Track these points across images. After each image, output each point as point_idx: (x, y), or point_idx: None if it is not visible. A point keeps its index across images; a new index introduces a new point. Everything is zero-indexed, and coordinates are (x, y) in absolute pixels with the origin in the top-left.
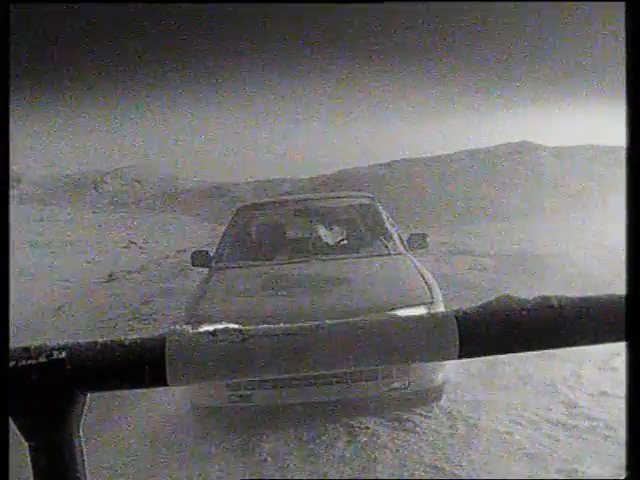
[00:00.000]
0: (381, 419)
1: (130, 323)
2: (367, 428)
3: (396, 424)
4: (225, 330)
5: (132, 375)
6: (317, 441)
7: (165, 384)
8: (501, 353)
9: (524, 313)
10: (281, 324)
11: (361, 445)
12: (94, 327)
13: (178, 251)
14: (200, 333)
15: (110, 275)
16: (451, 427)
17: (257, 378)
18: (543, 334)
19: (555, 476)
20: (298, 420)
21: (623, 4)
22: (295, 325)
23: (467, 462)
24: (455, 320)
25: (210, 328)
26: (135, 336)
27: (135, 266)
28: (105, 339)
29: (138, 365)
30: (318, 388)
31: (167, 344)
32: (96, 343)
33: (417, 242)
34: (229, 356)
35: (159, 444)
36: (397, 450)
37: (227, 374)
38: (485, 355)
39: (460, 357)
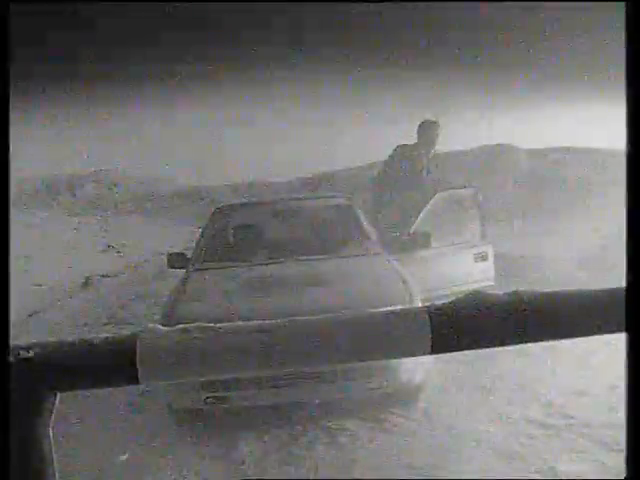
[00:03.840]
0: (360, 420)
1: (106, 328)
2: (346, 429)
3: (375, 425)
4: (197, 327)
5: (103, 374)
6: (296, 443)
7: (137, 382)
8: (473, 348)
9: (496, 308)
10: (254, 321)
11: (340, 446)
12: (68, 333)
13: (157, 254)
14: (172, 330)
15: (86, 279)
16: (429, 427)
17: (230, 375)
18: (514, 329)
19: (534, 475)
20: (276, 422)
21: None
22: (267, 322)
23: (445, 462)
24: (427, 316)
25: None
26: (106, 334)
27: (112, 270)
28: (75, 338)
29: (109, 363)
30: (296, 389)
31: (139, 342)
32: (66, 342)
33: (420, 241)
34: (202, 353)
35: (135, 447)
36: (376, 451)
37: (200, 371)
38: (458, 350)
39: (432, 352)
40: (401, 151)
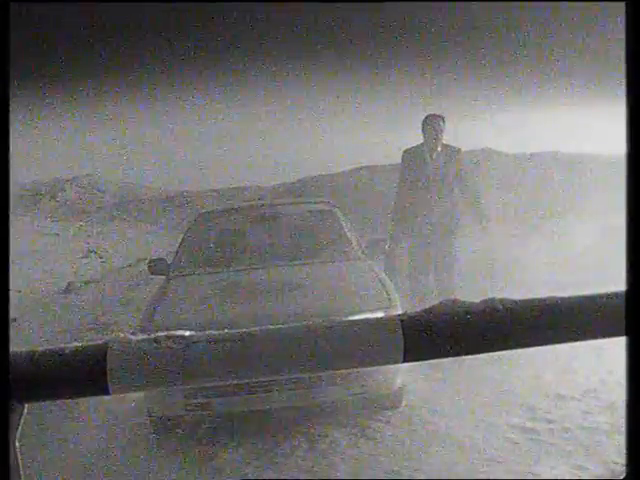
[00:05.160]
0: (340, 426)
1: (88, 334)
2: (327, 436)
3: (355, 431)
4: (168, 337)
5: (72, 384)
6: (276, 450)
7: (107, 393)
8: (446, 357)
9: (468, 317)
10: (225, 330)
11: (320, 453)
12: (50, 339)
13: (139, 260)
14: (142, 340)
15: (68, 285)
16: (410, 433)
17: (201, 385)
18: (489, 337)
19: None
20: (256, 428)
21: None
22: (238, 331)
23: (427, 467)
24: (400, 324)
25: (152, 335)
26: (75, 344)
27: (94, 275)
28: (44, 348)
29: (78, 373)
30: (276, 395)
31: (108, 352)
32: (34, 352)
33: (376, 247)
34: (172, 363)
35: (113, 455)
36: (356, 457)
37: (170, 381)
38: (430, 359)
39: (405, 361)
40: (406, 156)
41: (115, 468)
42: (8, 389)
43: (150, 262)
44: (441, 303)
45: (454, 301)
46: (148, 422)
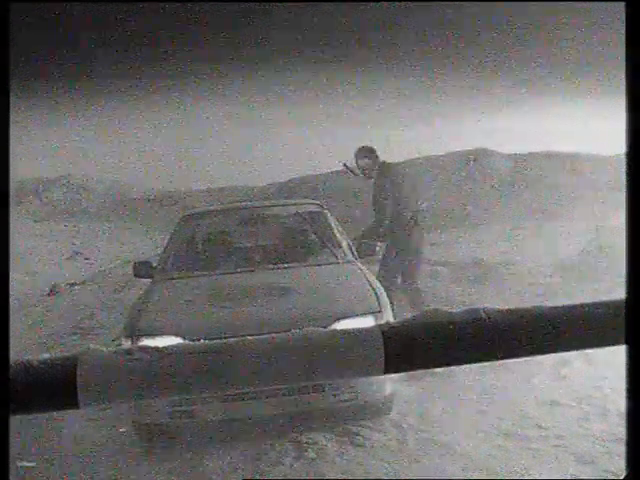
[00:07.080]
0: (330, 433)
1: (72, 338)
2: (315, 443)
3: (345, 438)
4: (141, 348)
5: (40, 398)
6: (264, 458)
7: (77, 406)
8: (428, 368)
9: (451, 327)
10: (201, 341)
11: (309, 461)
12: (31, 344)
13: (126, 262)
14: (115, 352)
15: (52, 287)
16: (400, 440)
17: (175, 397)
18: (471, 348)
19: None
20: (243, 435)
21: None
22: (214, 342)
23: (417, 474)
24: (381, 335)
25: (126, 346)
26: (45, 356)
27: (80, 277)
28: (11, 359)
29: (47, 387)
30: (264, 402)
31: (79, 364)
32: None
33: (366, 250)
34: (145, 376)
35: (98, 463)
36: (345, 465)
37: (143, 394)
38: (412, 370)
39: (386, 372)
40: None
41: (100, 476)
42: (7, 394)
43: (135, 265)
44: (423, 313)
45: (437, 311)
46: (133, 430)
